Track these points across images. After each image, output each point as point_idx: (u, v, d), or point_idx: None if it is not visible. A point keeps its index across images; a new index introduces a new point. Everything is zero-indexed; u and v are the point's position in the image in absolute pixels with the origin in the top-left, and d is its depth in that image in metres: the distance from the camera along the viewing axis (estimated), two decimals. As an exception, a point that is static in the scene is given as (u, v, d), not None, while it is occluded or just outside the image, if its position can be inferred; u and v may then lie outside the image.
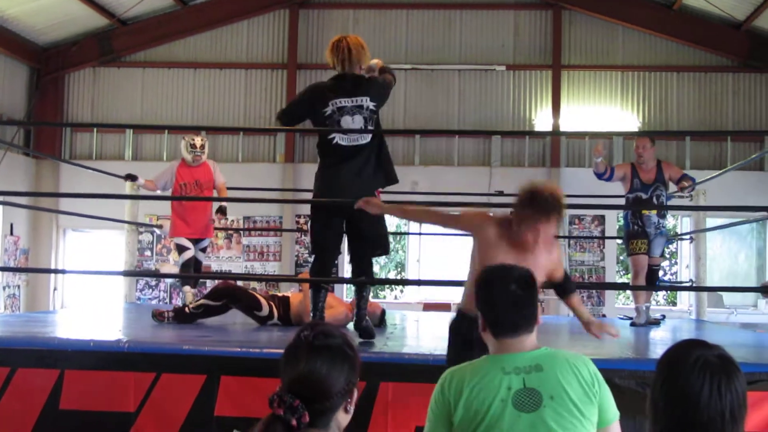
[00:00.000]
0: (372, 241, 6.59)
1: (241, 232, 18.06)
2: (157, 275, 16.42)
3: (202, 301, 8.03)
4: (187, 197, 9.84)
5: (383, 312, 8.31)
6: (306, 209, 17.74)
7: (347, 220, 6.53)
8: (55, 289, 18.36)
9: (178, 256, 10.21)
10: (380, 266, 22.11)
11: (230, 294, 8.04)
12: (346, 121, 6.38)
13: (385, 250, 6.79)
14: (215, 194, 9.99)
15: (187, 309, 8.04)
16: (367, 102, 6.41)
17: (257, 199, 15.69)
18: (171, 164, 10.25)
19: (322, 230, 6.59)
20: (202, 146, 9.92)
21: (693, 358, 2.40)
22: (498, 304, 3.17)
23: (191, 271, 10.01)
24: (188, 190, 9.81)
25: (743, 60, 17.74)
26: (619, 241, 18.66)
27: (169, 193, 10.03)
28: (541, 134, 19.72)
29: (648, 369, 5.02)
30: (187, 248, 9.90)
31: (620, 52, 18.25)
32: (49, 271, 18.94)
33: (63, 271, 17.57)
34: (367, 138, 6.42)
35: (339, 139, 6.38)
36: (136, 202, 11.05)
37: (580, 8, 18.23)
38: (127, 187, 10.22)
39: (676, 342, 2.57)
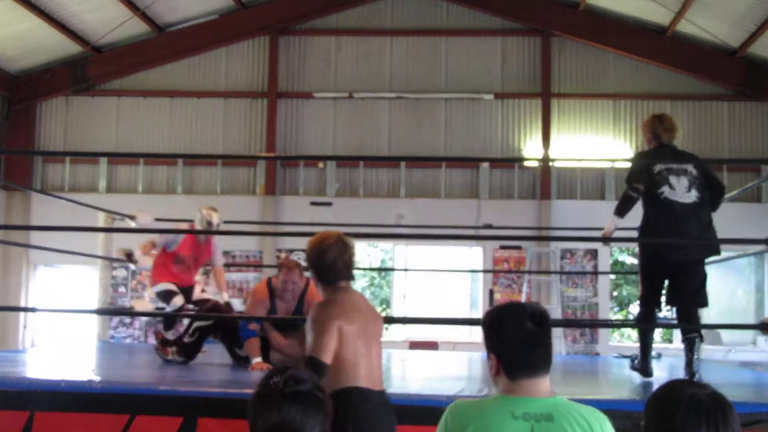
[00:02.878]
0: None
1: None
2: (132, 314, 15.91)
3: (195, 325, 7.97)
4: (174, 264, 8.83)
5: None
6: (287, 243, 17.35)
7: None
8: (25, 326, 18.07)
9: (164, 303, 8.87)
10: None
11: (218, 311, 8.18)
12: (673, 180, 6.72)
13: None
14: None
15: (186, 339, 7.99)
16: (691, 168, 6.78)
17: (237, 231, 15.06)
18: (182, 229, 9.11)
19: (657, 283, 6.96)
20: (218, 225, 8.93)
21: (686, 398, 2.46)
22: (515, 343, 3.02)
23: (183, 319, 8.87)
24: (184, 261, 8.87)
25: (738, 88, 17.57)
26: (613, 276, 18.13)
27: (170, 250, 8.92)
28: (531, 160, 19.48)
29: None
30: (176, 293, 8.67)
31: (612, 80, 18.06)
32: (18, 309, 18.52)
33: (33, 309, 17.12)
34: (693, 197, 6.69)
35: (668, 194, 6.68)
36: (109, 236, 10.85)
37: (569, 35, 18.06)
38: (101, 220, 10.19)
39: (665, 382, 2.63)
